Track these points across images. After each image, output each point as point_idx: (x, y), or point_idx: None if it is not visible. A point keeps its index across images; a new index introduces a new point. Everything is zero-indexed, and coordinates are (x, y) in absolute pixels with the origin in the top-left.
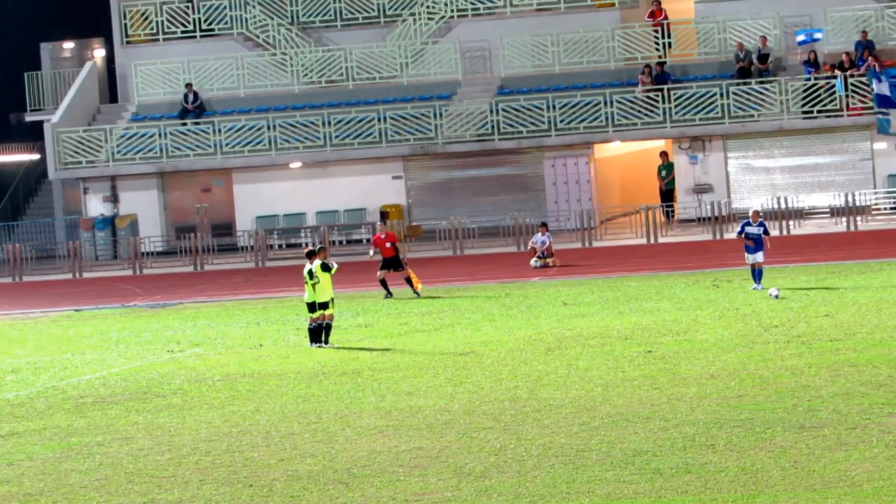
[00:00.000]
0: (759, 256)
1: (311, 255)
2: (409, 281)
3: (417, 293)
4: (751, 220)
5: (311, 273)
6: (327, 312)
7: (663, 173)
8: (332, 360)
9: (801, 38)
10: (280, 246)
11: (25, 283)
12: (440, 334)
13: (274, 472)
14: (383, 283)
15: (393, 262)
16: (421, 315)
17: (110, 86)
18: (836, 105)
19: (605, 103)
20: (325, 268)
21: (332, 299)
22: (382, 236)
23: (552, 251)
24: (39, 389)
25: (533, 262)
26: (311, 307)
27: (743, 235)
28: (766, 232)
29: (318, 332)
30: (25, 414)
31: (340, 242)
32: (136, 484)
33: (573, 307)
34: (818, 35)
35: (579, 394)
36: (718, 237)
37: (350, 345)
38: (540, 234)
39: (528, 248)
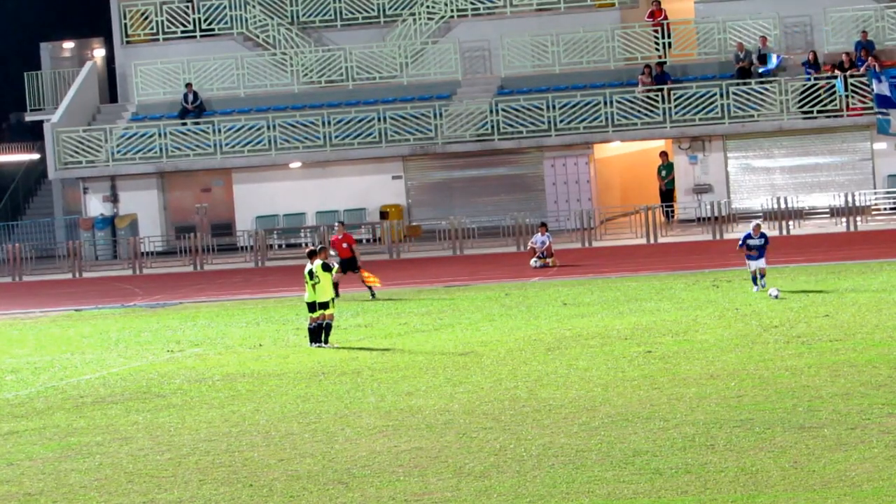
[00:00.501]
0: (761, 262)
1: (311, 255)
2: (364, 282)
3: (373, 294)
4: (752, 234)
5: (311, 273)
6: (327, 312)
7: (663, 173)
8: (332, 359)
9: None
10: (280, 246)
11: (25, 283)
12: (440, 334)
13: (274, 471)
14: (335, 284)
15: (349, 264)
16: (421, 315)
17: (110, 86)
18: (835, 105)
19: (605, 103)
20: (326, 268)
21: (333, 299)
22: (339, 237)
23: (552, 251)
24: (39, 389)
25: (533, 262)
26: (312, 307)
27: (744, 247)
28: (766, 242)
29: (318, 332)
30: (25, 413)
31: None
32: (135, 484)
33: (573, 307)
34: (775, 60)
35: (579, 394)
36: (718, 237)
37: (350, 345)
38: (540, 234)
39: (528, 248)
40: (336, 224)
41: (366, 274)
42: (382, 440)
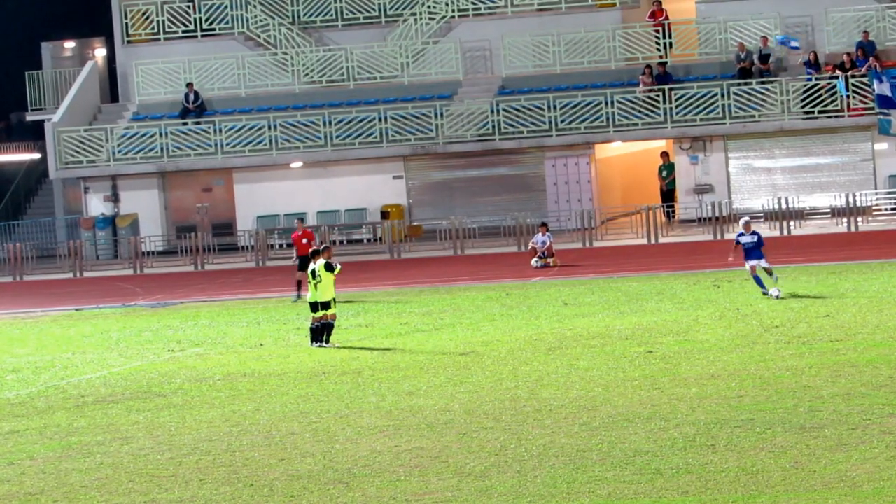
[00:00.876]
0: (762, 262)
1: (315, 255)
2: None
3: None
4: (744, 231)
5: (314, 272)
6: (329, 312)
7: (664, 173)
8: (333, 359)
9: (782, 41)
10: (281, 246)
11: (26, 283)
12: (441, 334)
13: (274, 471)
14: (299, 284)
15: (307, 260)
16: (421, 315)
17: (111, 85)
18: (836, 105)
19: (606, 103)
20: (329, 268)
21: (334, 299)
22: (300, 233)
23: (553, 251)
24: (40, 388)
25: (533, 262)
26: (314, 307)
27: (740, 245)
28: (760, 242)
29: (320, 332)
30: (26, 413)
31: (341, 242)
32: (136, 483)
33: (574, 307)
34: (794, 43)
35: (580, 394)
36: (719, 237)
37: (351, 344)
38: (540, 234)
39: (529, 248)
40: (296, 220)
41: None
42: (383, 440)
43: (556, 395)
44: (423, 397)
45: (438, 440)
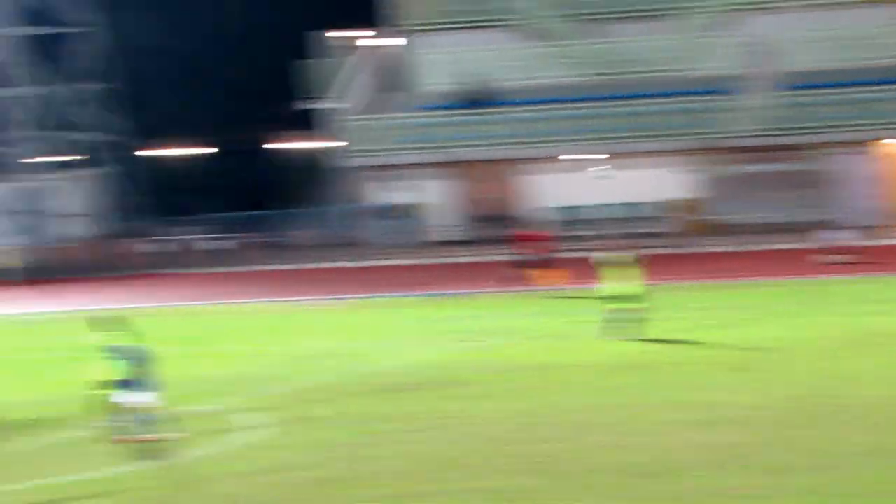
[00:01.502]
0: None
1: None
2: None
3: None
4: None
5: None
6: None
7: None
8: (632, 351)
9: None
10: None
11: (310, 270)
12: (750, 328)
13: (578, 464)
14: (528, 277)
15: (542, 262)
16: (727, 310)
17: (397, 75)
18: None
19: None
20: (622, 263)
21: (638, 294)
22: (535, 233)
23: (847, 248)
24: (342, 375)
25: (824, 258)
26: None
27: None
28: None
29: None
30: (324, 399)
31: (629, 236)
32: (447, 471)
33: (877, 304)
34: None
35: None
36: None
37: (657, 337)
38: (831, 230)
39: (819, 245)
40: (532, 221)
41: (547, 273)
42: (689, 434)
43: (879, 393)
44: (733, 393)
45: (751, 436)
